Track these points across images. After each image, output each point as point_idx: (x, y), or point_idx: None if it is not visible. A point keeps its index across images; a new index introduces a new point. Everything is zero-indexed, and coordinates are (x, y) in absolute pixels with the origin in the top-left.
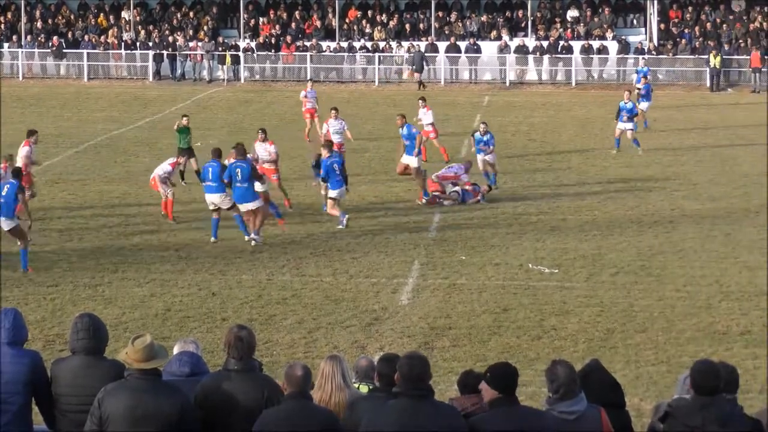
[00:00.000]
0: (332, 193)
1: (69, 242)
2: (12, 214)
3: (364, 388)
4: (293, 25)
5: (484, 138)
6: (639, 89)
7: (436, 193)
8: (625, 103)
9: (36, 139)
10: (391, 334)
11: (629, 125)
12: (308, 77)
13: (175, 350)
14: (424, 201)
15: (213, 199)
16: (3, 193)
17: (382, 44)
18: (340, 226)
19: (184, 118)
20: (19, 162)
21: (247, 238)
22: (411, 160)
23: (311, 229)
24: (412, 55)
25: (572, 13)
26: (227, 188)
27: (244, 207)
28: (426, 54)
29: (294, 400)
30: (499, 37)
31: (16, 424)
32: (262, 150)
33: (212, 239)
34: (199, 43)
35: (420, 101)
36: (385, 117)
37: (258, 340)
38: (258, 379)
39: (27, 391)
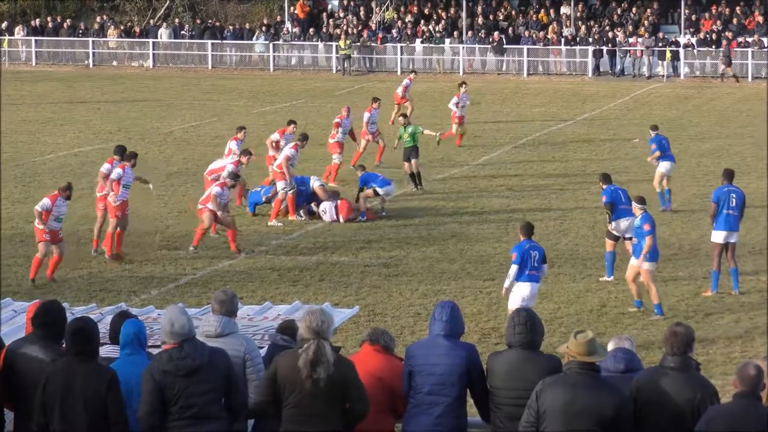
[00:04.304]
0: None
1: (505, 236)
2: None
3: None
4: (734, 20)
5: None
6: None
7: None
8: None
9: (134, 163)
10: None
11: None
12: (749, 73)
13: (610, 347)
14: None
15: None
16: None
17: None
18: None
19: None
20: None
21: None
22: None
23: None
24: None
25: None
26: None
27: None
28: None
29: (743, 399)
30: None
31: (448, 415)
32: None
33: None
34: (639, 39)
35: None
36: None
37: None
38: (693, 379)
39: (462, 383)
